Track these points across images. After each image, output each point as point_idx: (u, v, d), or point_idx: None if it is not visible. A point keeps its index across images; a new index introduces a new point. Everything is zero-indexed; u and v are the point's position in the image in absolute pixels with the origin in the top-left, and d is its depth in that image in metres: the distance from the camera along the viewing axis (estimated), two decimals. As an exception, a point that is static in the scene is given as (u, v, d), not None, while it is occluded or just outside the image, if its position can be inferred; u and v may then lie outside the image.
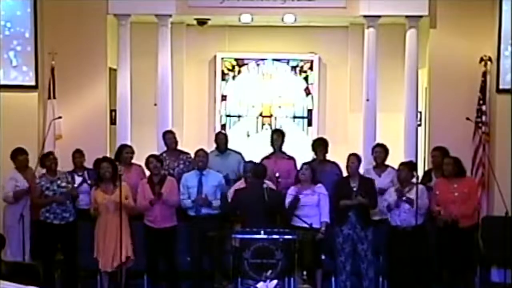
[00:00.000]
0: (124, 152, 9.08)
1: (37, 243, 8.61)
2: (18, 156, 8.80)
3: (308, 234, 7.80)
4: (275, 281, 7.16)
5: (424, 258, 8.21)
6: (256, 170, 8.22)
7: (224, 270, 8.16)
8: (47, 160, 8.59)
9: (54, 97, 9.80)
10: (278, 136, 9.26)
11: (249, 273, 7.39)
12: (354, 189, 8.32)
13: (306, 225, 7.90)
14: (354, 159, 8.51)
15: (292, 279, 7.51)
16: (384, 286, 8.56)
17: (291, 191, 8.30)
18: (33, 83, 9.79)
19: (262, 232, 7.46)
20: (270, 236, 7.44)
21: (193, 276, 8.61)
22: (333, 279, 8.57)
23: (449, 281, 8.41)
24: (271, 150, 9.27)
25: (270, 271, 7.32)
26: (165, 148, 9.55)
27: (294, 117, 11.38)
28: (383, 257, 8.55)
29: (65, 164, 8.94)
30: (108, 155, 9.73)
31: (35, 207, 8.61)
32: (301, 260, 7.41)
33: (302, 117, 11.37)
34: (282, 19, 10.30)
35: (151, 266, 8.53)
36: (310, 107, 11.33)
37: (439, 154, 8.85)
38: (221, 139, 9.41)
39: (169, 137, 9.38)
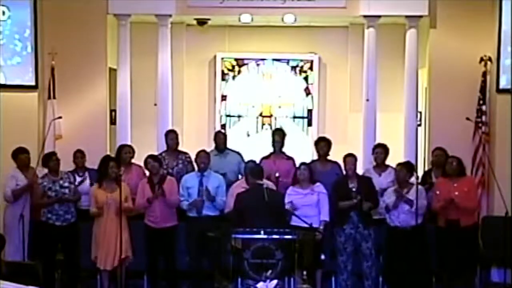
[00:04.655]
0: (123, 152, 9.07)
1: (36, 243, 8.59)
2: (19, 155, 8.80)
3: (308, 234, 7.79)
4: (275, 281, 7.15)
5: (423, 258, 8.21)
6: (252, 171, 8.22)
7: (224, 270, 8.15)
8: (50, 160, 8.59)
9: (54, 97, 9.80)
10: (279, 136, 9.25)
11: (249, 273, 7.38)
12: (353, 189, 8.31)
13: (306, 225, 7.90)
14: (352, 160, 8.49)
15: (292, 279, 7.51)
16: (384, 286, 8.56)
17: (290, 191, 8.31)
18: (33, 83, 9.78)
19: (262, 232, 7.45)
20: (270, 236, 7.43)
21: (193, 276, 8.61)
22: (333, 279, 8.58)
23: (449, 281, 8.41)
24: (271, 150, 9.27)
25: (270, 271, 7.32)
26: (165, 148, 9.57)
27: (294, 117, 11.37)
28: (383, 257, 8.54)
29: (65, 164, 8.92)
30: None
31: (35, 208, 8.60)
32: (301, 260, 7.40)
33: (302, 117, 11.37)
34: (282, 19, 10.30)
35: (151, 266, 8.54)
36: (310, 107, 11.33)
37: (442, 153, 8.86)
38: (220, 139, 9.40)
39: (171, 137, 9.34)
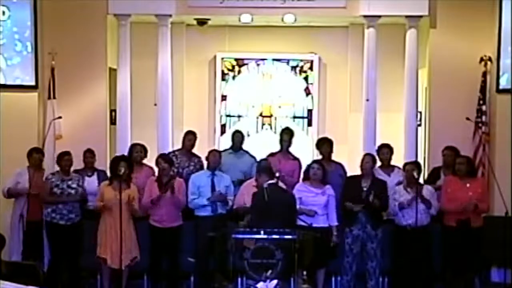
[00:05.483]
0: (134, 152, 9.06)
1: (33, 243, 8.60)
2: (33, 153, 8.86)
3: (308, 234, 7.78)
4: (275, 281, 7.14)
5: (428, 258, 8.23)
6: (265, 169, 8.24)
7: (224, 270, 8.15)
8: (62, 160, 8.64)
9: (54, 97, 9.79)
10: (287, 135, 9.26)
11: (249, 273, 7.38)
12: (365, 189, 8.32)
13: (306, 224, 7.90)
14: (369, 158, 8.52)
15: (292, 279, 7.50)
16: (385, 285, 8.56)
17: (300, 186, 8.30)
18: (33, 83, 9.79)
19: (262, 232, 7.45)
20: (270, 236, 7.43)
21: (198, 276, 8.59)
22: (333, 279, 8.58)
23: (451, 280, 8.41)
24: (270, 150, 9.28)
25: (270, 271, 7.31)
26: (165, 148, 9.59)
27: (294, 117, 11.37)
28: (388, 256, 8.52)
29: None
30: (108, 155, 9.76)
31: (33, 206, 8.59)
32: (301, 260, 7.40)
33: (302, 117, 11.36)
34: (282, 19, 10.30)
35: (154, 266, 8.52)
36: (310, 107, 11.33)
37: (451, 153, 8.87)
38: (237, 137, 9.46)
39: (189, 138, 9.32)
